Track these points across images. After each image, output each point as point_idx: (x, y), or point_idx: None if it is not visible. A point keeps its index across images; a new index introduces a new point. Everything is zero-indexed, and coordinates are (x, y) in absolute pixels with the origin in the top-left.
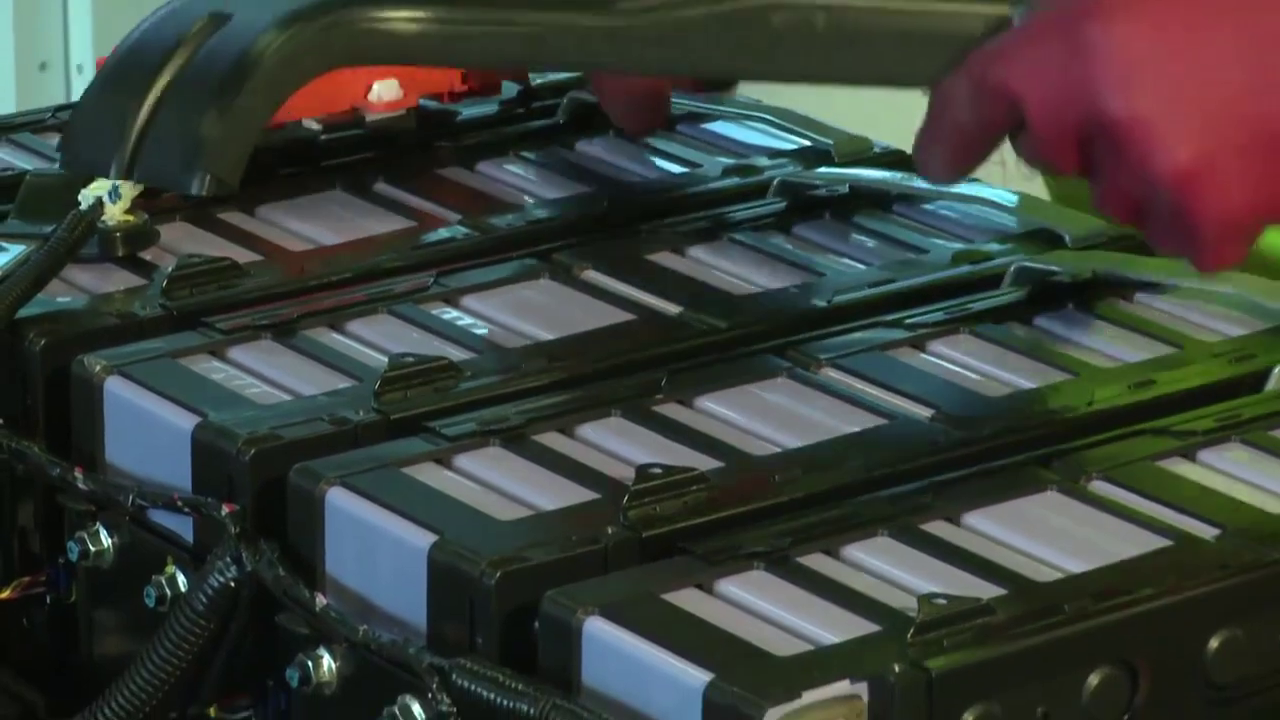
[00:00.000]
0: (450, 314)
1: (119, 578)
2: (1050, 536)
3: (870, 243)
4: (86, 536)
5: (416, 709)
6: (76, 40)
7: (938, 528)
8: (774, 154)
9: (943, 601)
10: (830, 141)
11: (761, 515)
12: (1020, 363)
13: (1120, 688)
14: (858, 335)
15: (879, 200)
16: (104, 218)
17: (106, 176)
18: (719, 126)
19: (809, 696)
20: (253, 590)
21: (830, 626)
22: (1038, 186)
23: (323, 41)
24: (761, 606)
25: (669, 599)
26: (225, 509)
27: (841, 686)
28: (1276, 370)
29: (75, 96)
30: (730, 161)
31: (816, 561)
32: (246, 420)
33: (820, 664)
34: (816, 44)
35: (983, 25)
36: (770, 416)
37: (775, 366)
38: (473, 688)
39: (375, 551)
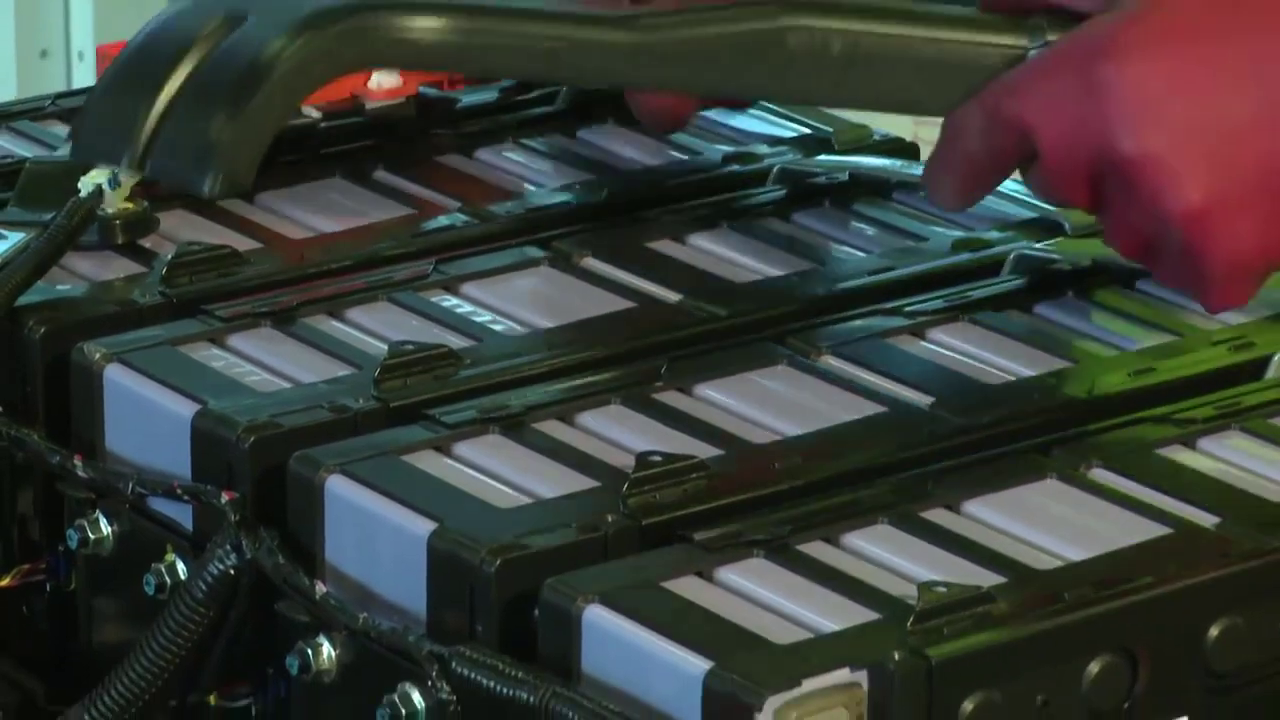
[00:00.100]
0: (450, 301)
1: (119, 565)
2: (1050, 524)
3: (870, 230)
4: (86, 524)
5: (416, 697)
6: (77, 28)
7: (938, 515)
8: (774, 141)
9: (943, 589)
10: (830, 129)
11: (761, 503)
12: (1020, 350)
13: (1120, 676)
14: (857, 323)
15: (879, 188)
16: (104, 205)
17: (118, 169)
18: (719, 114)
19: (809, 684)
20: (252, 578)
21: (830, 614)
22: None
23: (338, 48)
24: (761, 594)
25: (669, 587)
26: (225, 497)
27: (841, 674)
28: (1276, 358)
29: (76, 84)
30: (730, 149)
31: (816, 549)
32: (246, 408)
33: (820, 652)
34: (831, 67)
35: (998, 57)
36: (770, 404)
37: (775, 354)
38: (472, 676)
39: (375, 539)
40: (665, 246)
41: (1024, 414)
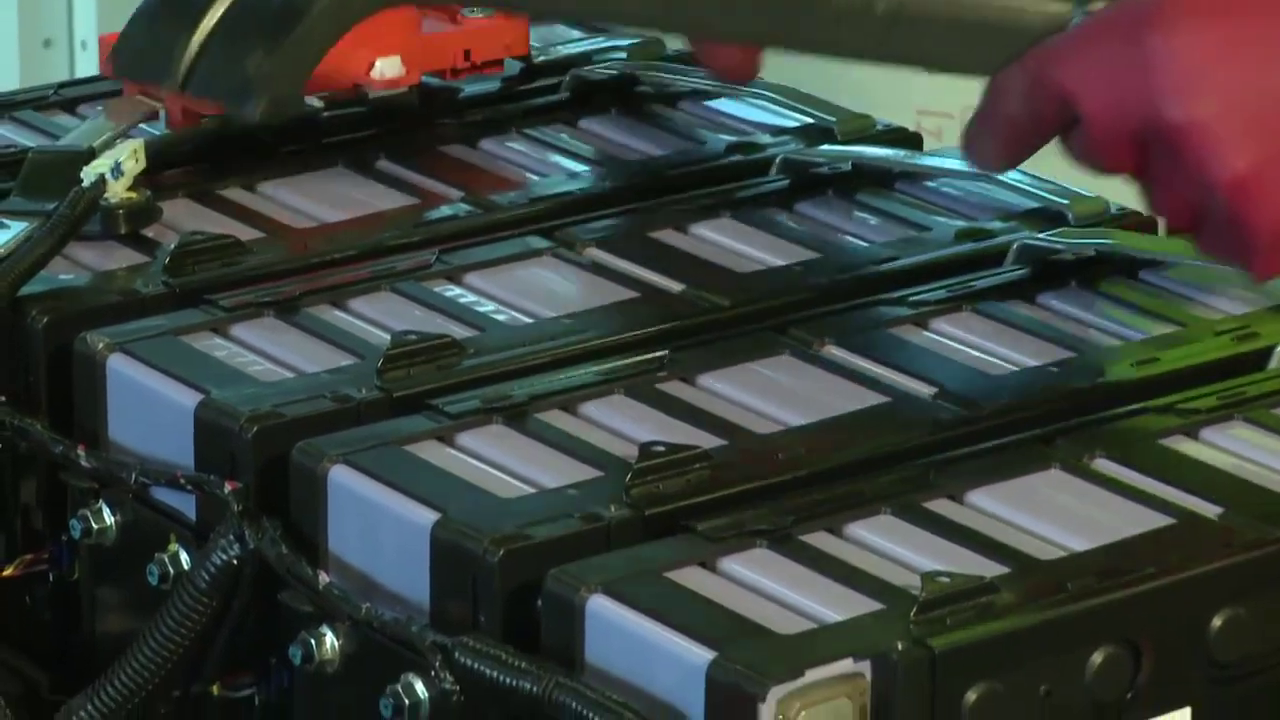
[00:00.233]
0: (453, 291)
1: (121, 555)
2: (1053, 514)
3: (873, 220)
4: (89, 514)
5: (419, 687)
6: (81, 17)
7: (941, 506)
8: (777, 131)
9: (946, 580)
10: (833, 119)
11: (764, 493)
12: (1023, 341)
13: (1123, 666)
14: (860, 313)
15: (882, 178)
16: (106, 195)
17: (160, 87)
18: (722, 104)
19: (812, 675)
20: (255, 568)
21: (833, 605)
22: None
23: None
24: (764, 584)
25: (672, 577)
26: (228, 486)
27: (845, 665)
28: (1279, 348)
29: (79, 74)
30: (733, 139)
31: (819, 539)
32: (249, 398)
33: (823, 642)
34: (875, 26)
35: (1042, 22)
36: (773, 394)
37: (778, 344)
38: (476, 666)
39: (378, 529)
40: (668, 236)
41: (1027, 404)
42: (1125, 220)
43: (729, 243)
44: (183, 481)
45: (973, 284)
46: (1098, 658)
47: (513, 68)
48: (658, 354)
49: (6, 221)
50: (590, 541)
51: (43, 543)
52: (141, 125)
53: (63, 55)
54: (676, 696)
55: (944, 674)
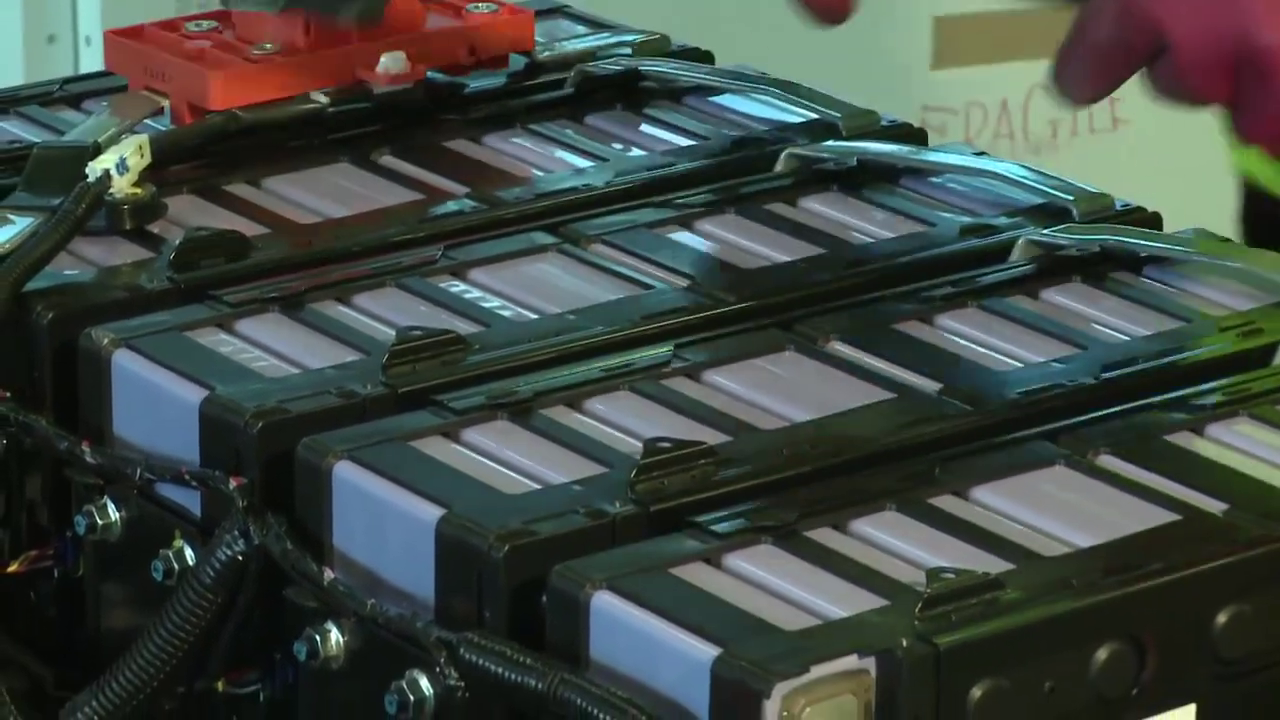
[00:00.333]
0: (458, 287)
1: (126, 551)
2: (1058, 511)
3: (878, 216)
4: (94, 510)
5: (424, 683)
6: (85, 13)
7: (946, 502)
8: (782, 127)
9: (951, 576)
10: (838, 114)
11: (769, 489)
12: (1028, 336)
13: (1128, 662)
14: (866, 309)
15: (887, 173)
16: (111, 190)
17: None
18: (726, 100)
19: (817, 671)
20: (260, 564)
21: (838, 601)
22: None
23: None
24: (769, 581)
25: (677, 573)
26: (233, 482)
27: (849, 661)
28: None
29: (83, 69)
30: (738, 134)
31: (824, 536)
32: (254, 393)
33: (828, 639)
34: None
35: None
36: (778, 390)
37: (783, 340)
38: (481, 662)
39: (383, 525)
40: (673, 232)
41: (1032, 400)
42: (1130, 216)
43: (734, 238)
44: (187, 477)
45: (978, 280)
46: (1102, 654)
47: (517, 63)
48: (663, 350)
49: (11, 217)
50: (595, 538)
51: (47, 539)
52: (146, 120)
53: (67, 51)
54: (681, 693)
55: (949, 670)
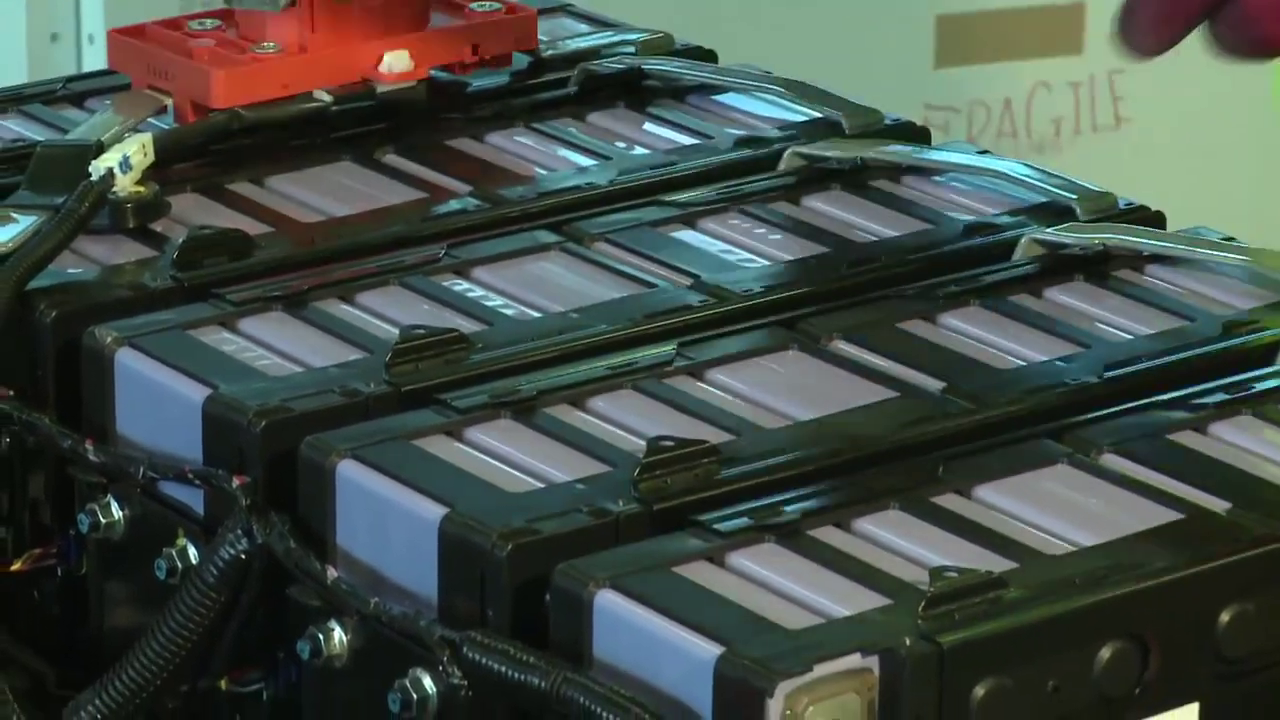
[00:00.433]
0: (461, 286)
1: (130, 550)
2: (1061, 509)
3: (881, 215)
4: (97, 508)
5: (427, 682)
6: (88, 11)
7: (949, 501)
8: (785, 126)
9: (954, 575)
10: (841, 113)
11: (773, 488)
12: (1031, 335)
13: (1131, 661)
14: (868, 306)
15: (890, 172)
16: (115, 189)
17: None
18: (729, 99)
19: (820, 670)
20: (264, 562)
21: (841, 600)
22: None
23: None
24: (772, 579)
25: (680, 572)
26: (236, 481)
27: (853, 660)
28: None
29: (87, 68)
30: (741, 133)
31: (827, 534)
32: (257, 392)
33: (831, 637)
34: None
35: None
36: (781, 389)
37: (785, 338)
38: (484, 661)
39: (386, 524)
40: (676, 230)
41: (1035, 398)
42: (1134, 215)
43: (736, 237)
44: (191, 476)
45: (981, 278)
46: (1105, 653)
47: (521, 62)
48: (666, 348)
49: (15, 215)
50: (598, 536)
51: (51, 537)
52: (150, 119)
53: (70, 49)
54: (684, 691)
55: (952, 669)
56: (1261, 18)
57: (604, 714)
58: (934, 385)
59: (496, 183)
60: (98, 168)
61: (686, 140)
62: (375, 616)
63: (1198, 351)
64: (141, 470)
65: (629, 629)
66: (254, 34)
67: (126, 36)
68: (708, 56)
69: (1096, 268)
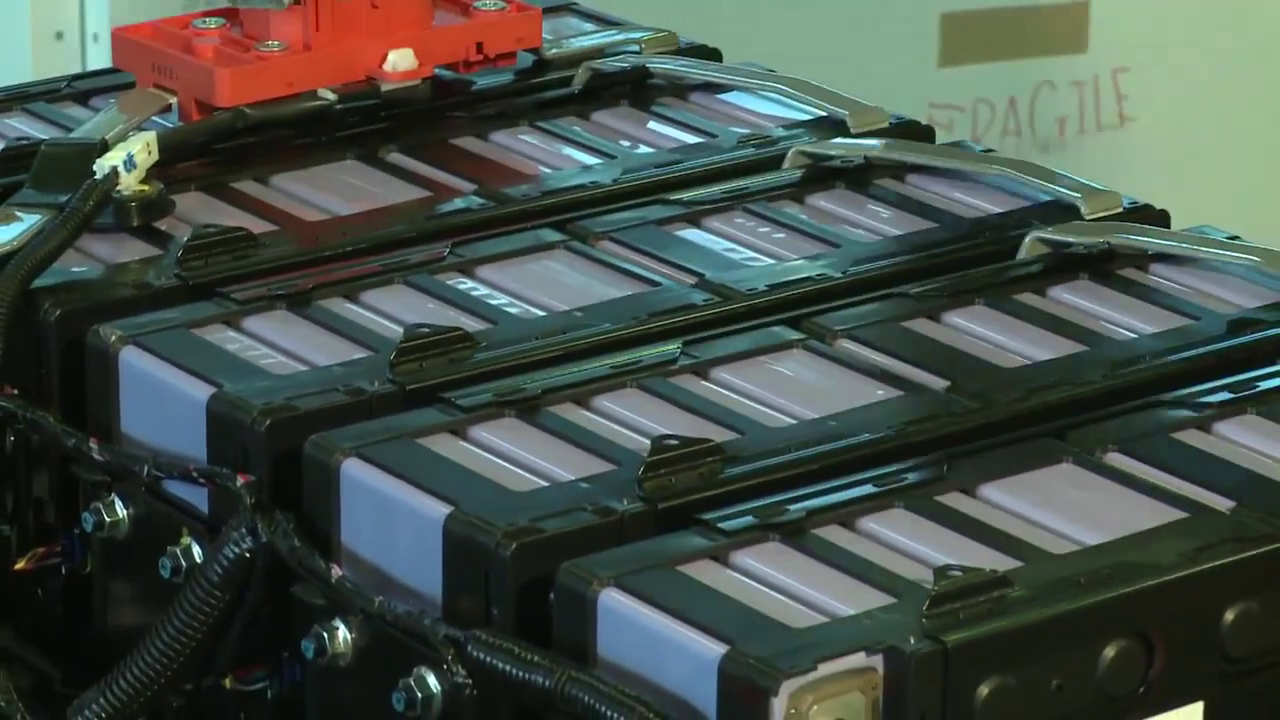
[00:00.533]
0: (465, 284)
1: (134, 548)
2: (1066, 508)
3: (885, 214)
4: (102, 507)
5: (432, 680)
6: (92, 10)
7: (953, 500)
8: (789, 125)
9: (958, 574)
10: (846, 112)
11: (777, 487)
12: (1035, 334)
13: (1135, 660)
14: (871, 306)
15: (894, 171)
16: (119, 187)
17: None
18: (734, 97)
19: (824, 668)
20: (268, 561)
21: (846, 599)
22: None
23: None
24: (777, 578)
25: (684, 570)
26: (240, 480)
27: (857, 659)
28: None
29: (91, 66)
30: (746, 132)
31: (832, 533)
32: (261, 391)
33: (835, 636)
34: None
35: None
36: (785, 388)
37: (789, 338)
38: (488, 659)
39: (390, 522)
40: (681, 230)
41: (1040, 397)
42: (1138, 214)
43: (740, 235)
44: (195, 474)
45: (986, 277)
46: (1110, 652)
47: (525, 60)
48: (671, 347)
49: (19, 214)
50: (603, 535)
51: (55, 536)
52: (154, 118)
53: (74, 48)
54: (689, 690)
55: (956, 668)
56: None
57: (608, 713)
58: (938, 384)
59: (501, 181)
60: (102, 166)
61: (691, 139)
62: (380, 615)
63: (1202, 350)
64: (146, 469)
65: (633, 627)
66: (258, 32)
67: (131, 35)
68: (712, 55)
69: (1101, 266)
